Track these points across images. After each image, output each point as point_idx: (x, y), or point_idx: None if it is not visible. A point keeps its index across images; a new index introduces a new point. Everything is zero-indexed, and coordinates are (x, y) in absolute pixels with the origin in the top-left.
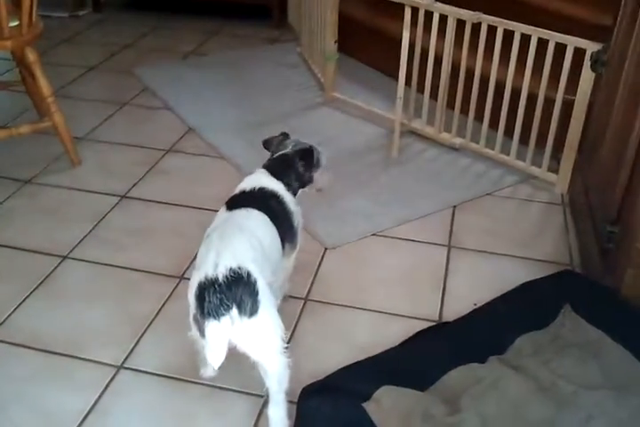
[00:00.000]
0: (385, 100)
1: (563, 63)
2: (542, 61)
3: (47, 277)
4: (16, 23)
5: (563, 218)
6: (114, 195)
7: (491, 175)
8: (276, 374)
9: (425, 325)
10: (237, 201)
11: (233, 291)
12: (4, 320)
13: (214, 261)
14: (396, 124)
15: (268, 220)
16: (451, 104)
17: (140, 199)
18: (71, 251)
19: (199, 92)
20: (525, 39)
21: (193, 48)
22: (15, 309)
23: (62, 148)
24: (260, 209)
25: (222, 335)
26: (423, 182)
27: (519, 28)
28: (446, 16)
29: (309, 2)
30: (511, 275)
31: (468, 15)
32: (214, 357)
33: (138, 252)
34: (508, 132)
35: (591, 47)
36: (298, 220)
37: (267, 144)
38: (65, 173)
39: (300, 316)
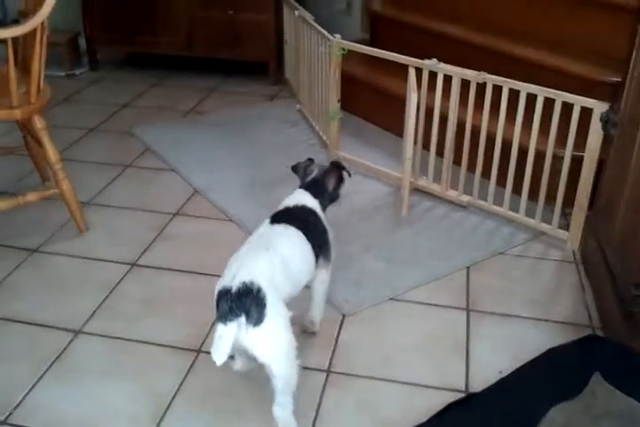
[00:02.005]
0: (390, 157)
1: (569, 121)
2: (548, 119)
3: (61, 353)
4: (23, 90)
5: (577, 276)
6: (124, 263)
7: (501, 233)
8: (281, 378)
9: (452, 395)
10: (280, 216)
11: (242, 301)
12: (20, 402)
13: (234, 273)
14: (405, 184)
15: (304, 237)
16: (457, 161)
17: (150, 267)
18: (84, 325)
19: (202, 152)
20: (531, 97)
21: (192, 106)
22: (30, 389)
23: (68, 214)
24: (298, 226)
25: (227, 337)
26: (435, 242)
27: (525, 88)
28: (451, 76)
29: (309, 59)
30: (532, 339)
31: (473, 75)
32: (216, 355)
33: (152, 324)
34: (517, 189)
35: (598, 107)
36: (331, 236)
37: (295, 169)
38: (72, 241)
39: (323, 390)
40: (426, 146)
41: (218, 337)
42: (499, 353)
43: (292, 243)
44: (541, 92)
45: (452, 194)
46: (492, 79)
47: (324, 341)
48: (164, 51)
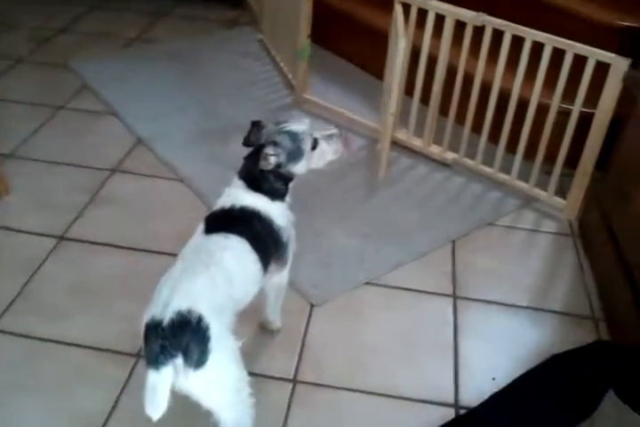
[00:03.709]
0: (365, 103)
1: (578, 74)
2: (554, 71)
3: None
4: None
5: (575, 254)
6: (50, 235)
7: (489, 198)
8: (231, 424)
9: (439, 410)
10: (217, 222)
11: (178, 338)
12: None
13: (165, 300)
14: (385, 145)
15: (249, 248)
16: (444, 112)
17: (81, 241)
18: None
19: (147, 91)
20: (536, 46)
21: (138, 33)
22: None
23: None
24: (240, 234)
25: (161, 387)
26: (415, 210)
27: (531, 35)
28: (443, 16)
29: None
30: (528, 333)
31: (470, 16)
32: (151, 410)
33: (82, 319)
34: (511, 147)
35: (618, 62)
36: (287, 234)
37: (246, 143)
38: None
39: (289, 405)
40: (408, 91)
41: (150, 387)
42: (491, 352)
43: (236, 256)
44: (550, 42)
45: (434, 150)
46: (492, 22)
47: (289, 339)
48: None
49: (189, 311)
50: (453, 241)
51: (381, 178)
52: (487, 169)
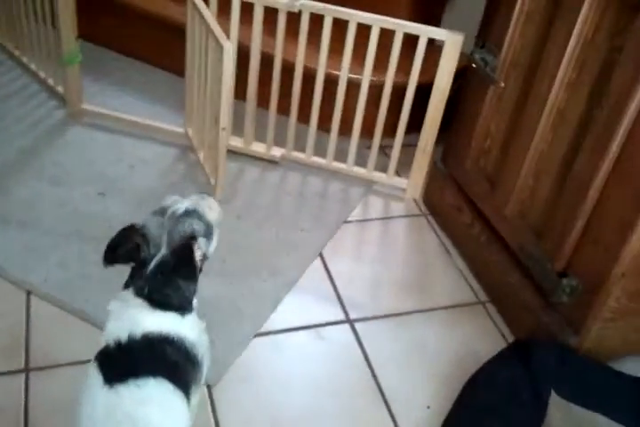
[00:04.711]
0: (161, 103)
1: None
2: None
3: None
4: None
5: (434, 235)
6: None
7: (333, 193)
8: None
9: None
10: (117, 365)
11: None
12: None
13: None
14: (221, 160)
15: (171, 387)
16: (263, 104)
17: None
18: None
19: None
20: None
21: None
22: None
23: None
24: (155, 374)
25: None
26: (265, 227)
27: (355, 18)
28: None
29: None
30: (431, 339)
31: (284, 2)
32: None
33: None
34: (344, 132)
35: (453, 38)
36: (202, 351)
37: (113, 258)
38: None
39: None
40: None
41: None
42: (410, 374)
43: (162, 407)
44: (377, 22)
45: (259, 148)
46: (309, 6)
47: None
48: None
49: None
50: (320, 254)
51: (219, 199)
52: (320, 160)
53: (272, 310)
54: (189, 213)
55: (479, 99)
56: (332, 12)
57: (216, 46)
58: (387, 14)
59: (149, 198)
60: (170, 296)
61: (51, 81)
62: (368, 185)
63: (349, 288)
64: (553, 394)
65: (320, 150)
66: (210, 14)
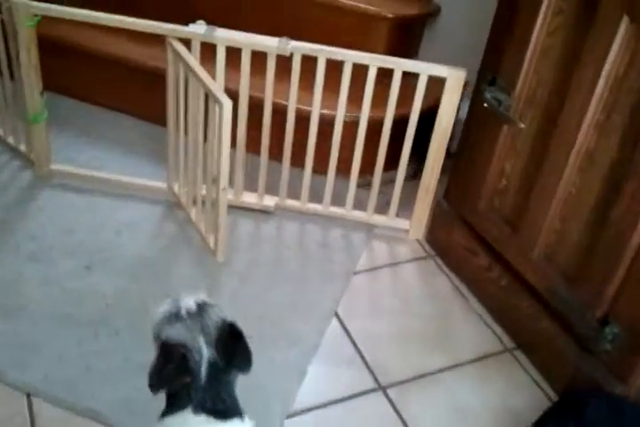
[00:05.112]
0: (135, 155)
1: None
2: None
3: None
4: None
5: (445, 277)
6: None
7: (333, 240)
8: None
9: None
10: None
11: None
12: None
13: None
14: (221, 222)
15: None
16: (251, 149)
17: None
18: None
19: None
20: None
21: None
22: None
23: None
24: None
25: None
26: (274, 287)
27: (351, 58)
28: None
29: None
30: (468, 397)
31: (273, 45)
32: None
33: None
34: (341, 175)
35: (455, 75)
36: None
37: (165, 380)
38: None
39: None
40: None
41: None
42: None
43: None
44: (374, 62)
45: (249, 199)
46: (301, 48)
47: None
48: None
49: None
50: (336, 313)
51: (221, 261)
52: (317, 206)
53: (299, 385)
54: (203, 305)
55: (492, 138)
56: (325, 53)
57: (211, 101)
58: (363, 49)
59: (143, 267)
60: (227, 401)
61: (11, 139)
62: (368, 229)
63: (373, 350)
64: None
65: (314, 195)
66: (200, 68)
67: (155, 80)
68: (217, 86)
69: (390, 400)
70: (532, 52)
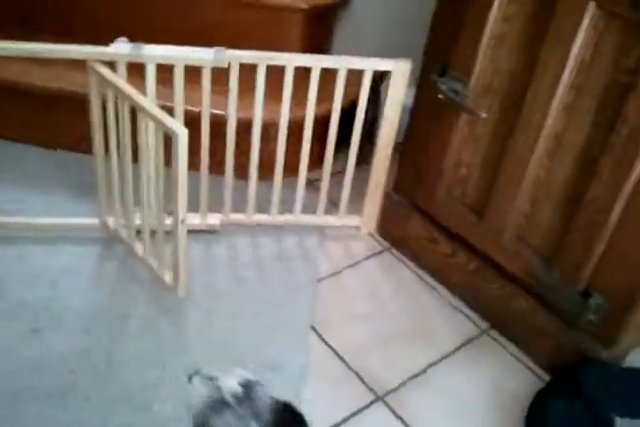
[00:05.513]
0: (51, 189)
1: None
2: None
3: None
4: None
5: (407, 270)
6: None
7: (289, 249)
8: None
9: None
10: None
11: None
12: None
13: None
14: (180, 256)
15: None
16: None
17: None
18: None
19: None
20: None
21: None
22: None
23: None
24: None
25: None
26: (240, 315)
27: (293, 62)
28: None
29: None
30: (463, 388)
31: (208, 59)
32: None
33: None
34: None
35: (401, 68)
36: None
37: None
38: None
39: None
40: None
41: None
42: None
43: None
44: (317, 63)
45: (192, 220)
46: (239, 57)
47: None
48: None
49: None
50: (312, 326)
51: (182, 296)
52: (264, 217)
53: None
54: (247, 385)
55: (447, 129)
56: (265, 59)
57: (157, 130)
58: (279, 45)
59: (95, 319)
60: None
61: None
62: (320, 231)
63: (359, 360)
64: (616, 419)
65: (258, 206)
66: (137, 94)
67: (56, 102)
68: (167, 117)
69: (391, 409)
70: (487, 39)
